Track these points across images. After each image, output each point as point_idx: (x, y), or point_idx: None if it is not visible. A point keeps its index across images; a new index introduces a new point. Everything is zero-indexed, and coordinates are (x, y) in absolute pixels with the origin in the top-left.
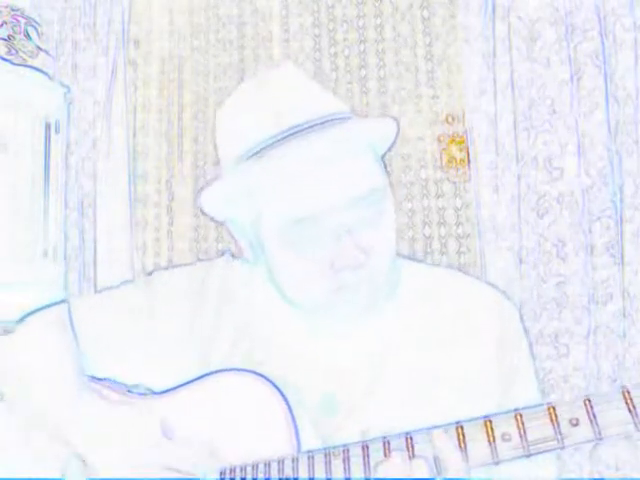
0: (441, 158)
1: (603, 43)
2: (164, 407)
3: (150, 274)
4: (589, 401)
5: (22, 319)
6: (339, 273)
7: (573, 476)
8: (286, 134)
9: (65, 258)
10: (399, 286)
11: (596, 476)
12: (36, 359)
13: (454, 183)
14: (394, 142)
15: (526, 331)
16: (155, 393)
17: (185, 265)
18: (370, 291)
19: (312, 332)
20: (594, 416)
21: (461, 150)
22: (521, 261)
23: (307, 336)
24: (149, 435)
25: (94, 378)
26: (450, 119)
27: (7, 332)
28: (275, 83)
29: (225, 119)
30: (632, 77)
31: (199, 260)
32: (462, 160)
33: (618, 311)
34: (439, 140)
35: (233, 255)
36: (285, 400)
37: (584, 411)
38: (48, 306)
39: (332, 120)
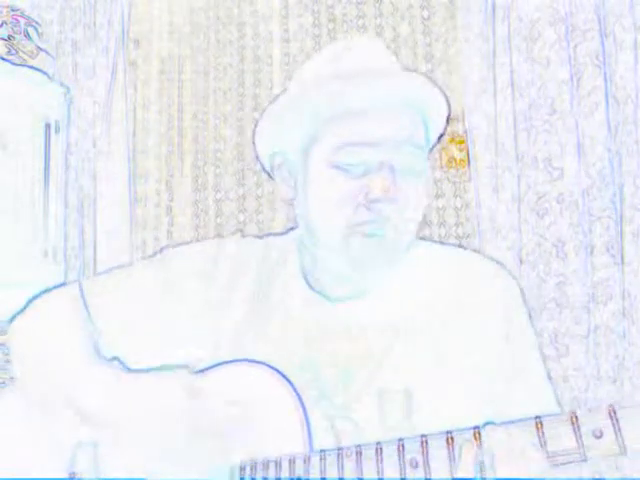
0: (441, 158)
1: (603, 43)
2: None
3: (161, 251)
4: (614, 412)
5: (33, 299)
6: (370, 204)
7: (573, 476)
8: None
9: (65, 258)
10: (412, 260)
11: (596, 476)
12: (49, 336)
13: (454, 183)
14: (445, 125)
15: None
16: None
17: (196, 242)
18: (392, 244)
19: (326, 305)
20: (619, 429)
21: (461, 150)
22: (521, 261)
23: (320, 309)
24: (168, 405)
25: (103, 358)
26: (450, 119)
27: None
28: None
29: (309, 65)
30: (632, 77)
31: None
32: (462, 160)
33: (618, 311)
34: (439, 140)
35: (243, 235)
36: (296, 392)
37: (609, 422)
38: (59, 286)
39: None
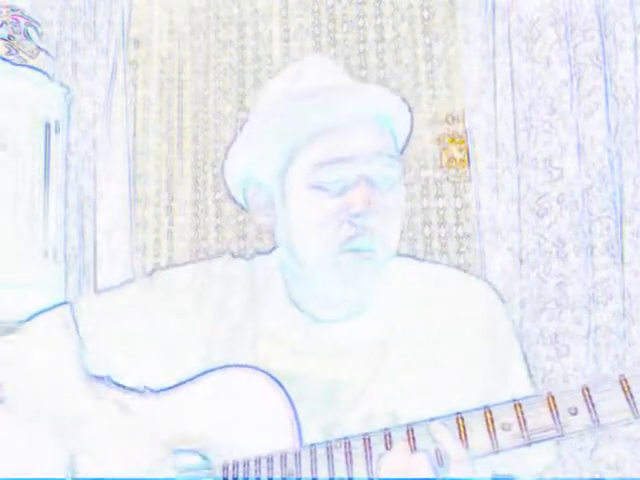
0: (441, 158)
1: (603, 43)
2: (168, 404)
3: (151, 274)
4: (587, 390)
5: (24, 322)
6: (353, 219)
7: (573, 476)
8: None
9: (65, 258)
10: (396, 280)
11: (596, 476)
12: (40, 359)
13: (454, 183)
14: (410, 129)
15: (520, 328)
16: (160, 390)
17: (185, 264)
18: (380, 257)
19: (313, 324)
20: (592, 405)
21: (461, 150)
22: (521, 261)
23: (308, 328)
24: (152, 433)
25: (94, 376)
26: (450, 119)
27: (8, 332)
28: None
29: (270, 86)
30: (632, 77)
31: (199, 260)
32: (462, 160)
33: (618, 311)
34: (439, 140)
35: (233, 255)
36: (287, 396)
37: (582, 400)
38: (50, 308)
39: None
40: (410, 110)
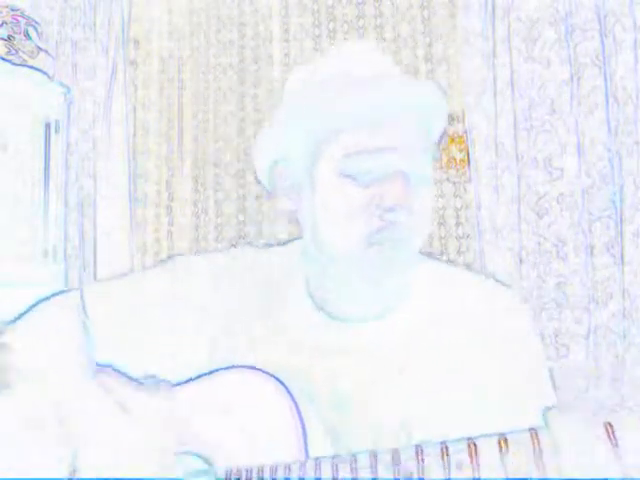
0: (441, 158)
1: (603, 43)
2: (172, 404)
3: (168, 259)
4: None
5: (34, 305)
6: (383, 213)
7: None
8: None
9: (65, 258)
10: (422, 284)
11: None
12: (48, 345)
13: (454, 183)
14: (445, 121)
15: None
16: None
17: (205, 253)
18: (404, 253)
19: (330, 322)
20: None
21: (461, 150)
22: (521, 261)
23: (324, 326)
24: (155, 433)
25: (98, 365)
26: (450, 119)
27: (2, 333)
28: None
29: (312, 68)
30: (632, 77)
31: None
32: (462, 160)
33: (618, 311)
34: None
35: (253, 245)
36: (293, 399)
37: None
38: (57, 293)
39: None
40: (446, 106)
